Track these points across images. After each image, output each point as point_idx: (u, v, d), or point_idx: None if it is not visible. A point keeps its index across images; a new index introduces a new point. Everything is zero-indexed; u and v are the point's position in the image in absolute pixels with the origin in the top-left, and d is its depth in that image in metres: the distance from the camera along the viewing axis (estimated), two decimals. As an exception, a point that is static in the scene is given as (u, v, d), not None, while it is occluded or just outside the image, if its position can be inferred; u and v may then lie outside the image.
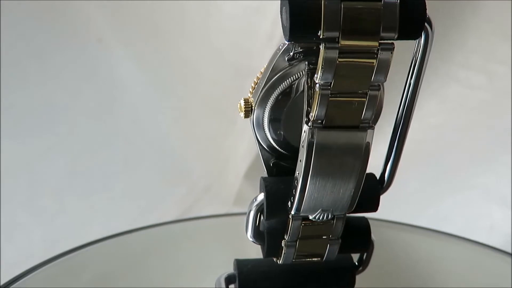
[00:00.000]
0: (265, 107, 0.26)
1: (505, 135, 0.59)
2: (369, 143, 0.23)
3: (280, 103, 0.26)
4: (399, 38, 0.22)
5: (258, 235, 0.27)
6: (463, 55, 0.60)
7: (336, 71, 0.22)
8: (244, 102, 0.26)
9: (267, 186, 0.26)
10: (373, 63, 0.22)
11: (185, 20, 0.63)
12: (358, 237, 0.29)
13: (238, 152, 0.65)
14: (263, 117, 0.26)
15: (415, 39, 0.23)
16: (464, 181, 0.61)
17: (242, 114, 0.26)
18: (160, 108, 0.66)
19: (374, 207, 0.27)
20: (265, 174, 0.27)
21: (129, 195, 0.65)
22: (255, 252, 0.30)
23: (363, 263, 0.30)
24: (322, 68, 0.22)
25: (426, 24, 0.24)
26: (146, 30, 0.64)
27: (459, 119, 0.62)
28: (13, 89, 0.63)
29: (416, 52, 0.25)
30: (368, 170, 0.27)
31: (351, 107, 0.23)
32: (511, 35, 0.57)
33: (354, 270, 0.30)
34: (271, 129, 0.26)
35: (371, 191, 0.27)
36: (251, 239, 0.28)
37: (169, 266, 0.40)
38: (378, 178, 0.28)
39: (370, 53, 0.22)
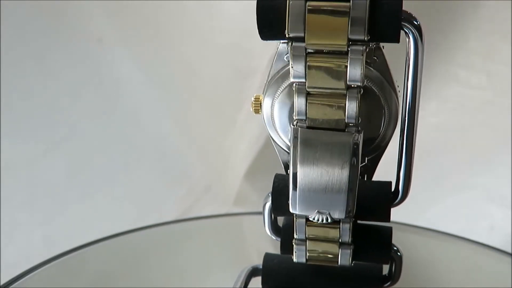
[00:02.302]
0: (273, 105, 0.26)
1: (505, 135, 0.59)
2: (357, 146, 0.23)
3: (286, 103, 0.26)
4: (373, 40, 0.22)
5: (275, 230, 0.28)
6: (463, 55, 0.60)
7: (308, 71, 0.22)
8: (255, 99, 0.26)
9: (275, 182, 0.27)
10: (345, 63, 0.22)
11: (185, 20, 0.63)
12: (376, 246, 0.28)
13: (238, 152, 0.65)
14: (272, 115, 0.26)
15: (395, 42, 0.23)
16: (464, 181, 0.61)
17: (252, 110, 0.26)
18: (160, 108, 0.66)
19: (384, 216, 0.27)
20: (270, 174, 0.27)
21: (129, 195, 0.65)
22: (255, 252, 0.30)
23: (393, 277, 0.29)
24: (292, 66, 0.22)
25: (410, 26, 0.23)
26: (146, 30, 0.64)
27: (459, 119, 0.62)
28: (13, 89, 0.63)
29: (407, 54, 0.24)
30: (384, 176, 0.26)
31: (332, 108, 0.23)
32: (511, 35, 0.57)
33: (380, 282, 0.29)
34: (282, 128, 0.26)
35: (382, 200, 0.26)
36: (268, 233, 0.28)
37: (169, 266, 0.40)
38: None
39: (339, 53, 0.22)
